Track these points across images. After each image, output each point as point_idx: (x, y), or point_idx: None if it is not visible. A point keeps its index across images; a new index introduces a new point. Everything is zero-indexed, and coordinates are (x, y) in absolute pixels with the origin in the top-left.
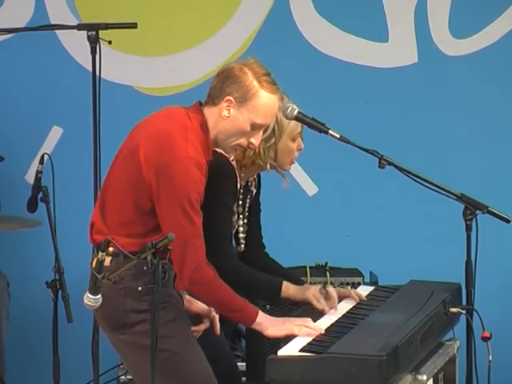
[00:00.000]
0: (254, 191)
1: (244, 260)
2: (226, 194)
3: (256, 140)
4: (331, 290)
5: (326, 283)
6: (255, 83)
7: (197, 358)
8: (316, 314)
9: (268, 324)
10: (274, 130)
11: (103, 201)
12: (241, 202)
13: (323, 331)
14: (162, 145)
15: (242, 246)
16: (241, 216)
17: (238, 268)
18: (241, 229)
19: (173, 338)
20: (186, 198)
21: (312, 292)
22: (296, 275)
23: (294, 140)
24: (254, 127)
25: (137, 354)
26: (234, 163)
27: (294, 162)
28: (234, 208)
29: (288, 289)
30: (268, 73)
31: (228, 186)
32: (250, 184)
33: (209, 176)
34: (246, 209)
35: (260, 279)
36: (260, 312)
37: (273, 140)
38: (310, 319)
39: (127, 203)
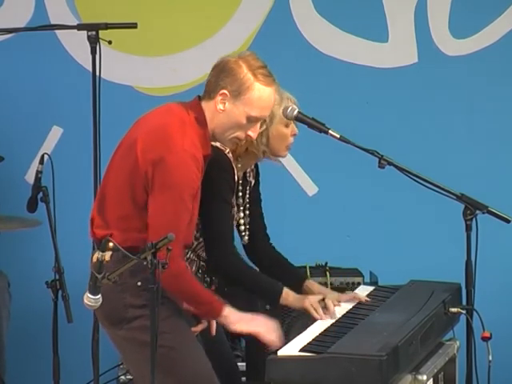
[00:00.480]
0: (253, 182)
1: (248, 252)
2: (223, 187)
3: (253, 133)
4: (329, 303)
5: (324, 298)
6: (250, 76)
7: (195, 354)
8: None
9: (234, 319)
10: None
11: (102, 195)
12: (240, 194)
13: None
14: (159, 139)
15: (246, 238)
16: (241, 208)
17: (238, 265)
18: (242, 221)
19: (169, 334)
20: (178, 191)
21: (311, 302)
22: (299, 271)
23: (287, 125)
24: (250, 120)
25: (135, 349)
26: (230, 155)
27: (289, 148)
28: (234, 200)
29: (288, 296)
30: (264, 65)
31: (225, 178)
32: (248, 175)
33: (205, 170)
34: (246, 200)
35: (261, 281)
36: (227, 307)
37: (264, 126)
38: (276, 325)
39: (125, 197)
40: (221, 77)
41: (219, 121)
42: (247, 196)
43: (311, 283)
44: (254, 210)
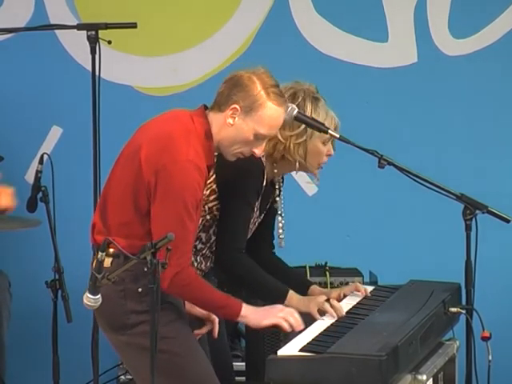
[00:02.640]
0: (277, 192)
1: (252, 258)
2: (249, 189)
3: (259, 150)
4: (335, 302)
5: (328, 299)
6: (263, 93)
7: (198, 359)
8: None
9: (252, 316)
10: (306, 127)
11: (104, 201)
12: (261, 198)
13: (303, 326)
14: (163, 147)
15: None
16: (256, 213)
17: (246, 263)
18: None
19: (172, 339)
20: (181, 201)
21: (317, 305)
22: (302, 277)
23: (324, 143)
24: (258, 137)
25: (137, 354)
26: (263, 159)
27: (321, 167)
28: (257, 205)
29: (292, 299)
30: (276, 84)
31: (253, 182)
32: (275, 182)
33: (235, 171)
34: (265, 208)
35: (268, 283)
36: (244, 305)
37: (304, 137)
38: (294, 310)
39: (127, 203)
40: (233, 91)
41: (227, 134)
42: (268, 205)
43: (313, 289)
44: (268, 219)
